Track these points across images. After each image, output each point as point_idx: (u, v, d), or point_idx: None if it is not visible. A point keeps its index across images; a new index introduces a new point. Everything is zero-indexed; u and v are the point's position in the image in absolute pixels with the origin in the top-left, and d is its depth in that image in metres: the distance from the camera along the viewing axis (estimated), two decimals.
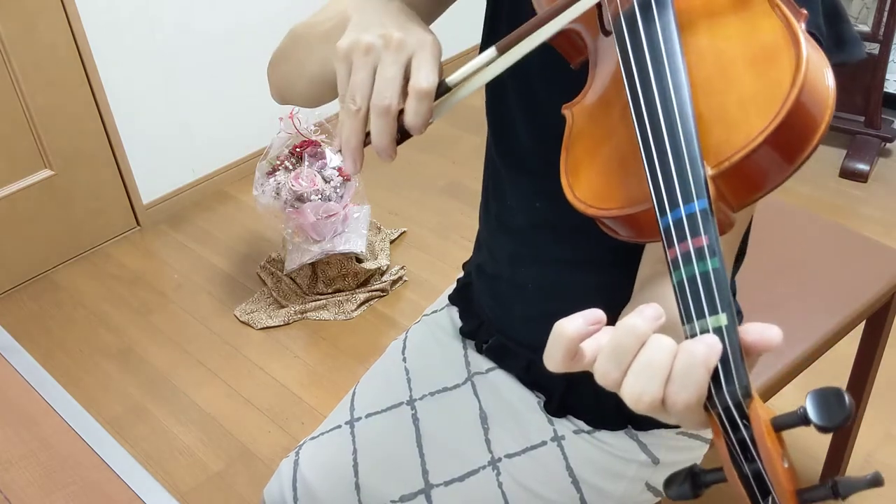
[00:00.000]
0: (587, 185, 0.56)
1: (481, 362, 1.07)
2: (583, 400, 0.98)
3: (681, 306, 0.47)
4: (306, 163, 2.18)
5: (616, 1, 0.58)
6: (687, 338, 0.47)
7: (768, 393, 1.24)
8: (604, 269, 0.90)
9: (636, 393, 0.46)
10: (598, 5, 0.61)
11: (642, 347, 0.47)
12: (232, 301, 2.34)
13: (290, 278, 2.33)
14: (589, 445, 0.97)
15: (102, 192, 2.54)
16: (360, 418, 1.06)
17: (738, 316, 0.82)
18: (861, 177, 2.58)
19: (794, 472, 0.44)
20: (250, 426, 1.97)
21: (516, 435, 1.00)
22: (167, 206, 2.69)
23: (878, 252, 1.44)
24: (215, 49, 2.62)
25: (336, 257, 2.24)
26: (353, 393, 1.11)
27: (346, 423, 1.06)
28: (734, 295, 1.04)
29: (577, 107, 0.61)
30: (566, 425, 0.99)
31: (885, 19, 2.44)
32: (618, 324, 0.48)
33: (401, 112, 0.62)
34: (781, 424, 0.44)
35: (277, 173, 2.19)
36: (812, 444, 1.74)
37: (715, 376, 0.45)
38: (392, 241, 2.48)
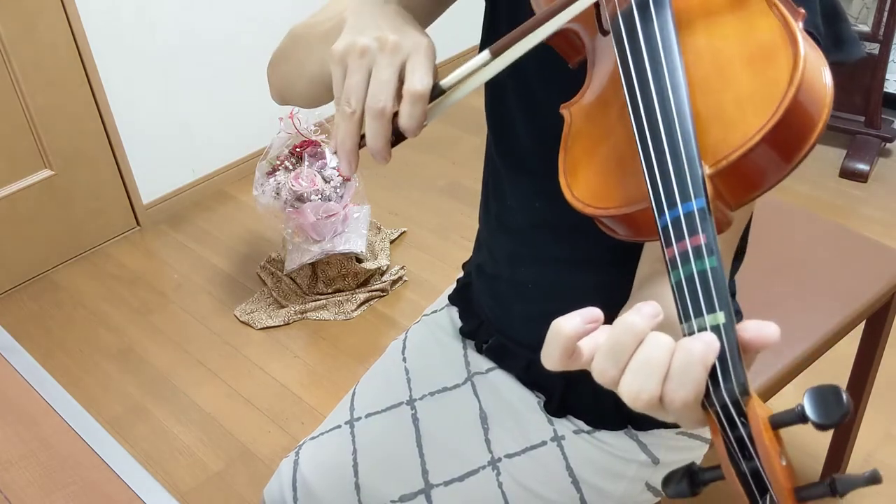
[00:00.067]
0: (585, 185, 0.56)
1: (481, 362, 1.07)
2: (582, 400, 0.98)
3: (679, 305, 0.47)
4: (306, 163, 2.18)
5: (614, 1, 0.58)
6: (685, 336, 0.47)
7: (768, 393, 1.24)
8: (603, 269, 0.90)
9: (634, 391, 0.47)
10: (596, 5, 0.61)
11: (640, 345, 0.47)
12: (232, 301, 2.34)
13: (290, 278, 2.33)
14: (589, 445, 0.97)
15: (102, 192, 2.54)
16: (359, 418, 1.06)
17: (737, 316, 0.82)
18: (861, 177, 2.58)
19: (792, 470, 0.44)
20: (250, 426, 1.97)
21: (516, 435, 1.00)
22: (167, 206, 2.69)
23: (878, 252, 1.44)
24: (215, 49, 2.62)
25: (336, 257, 2.24)
26: (353, 393, 1.11)
27: (346, 422, 1.06)
28: (734, 295, 1.04)
29: (575, 106, 0.61)
30: (566, 425, 0.99)
31: (885, 19, 2.44)
32: (616, 321, 0.48)
33: (395, 114, 0.63)
34: (779, 422, 0.44)
35: (277, 173, 2.19)
36: (812, 444, 1.74)
37: (713, 374, 0.45)
38: (392, 241, 2.48)
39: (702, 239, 0.47)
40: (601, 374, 0.48)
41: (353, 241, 2.24)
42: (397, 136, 0.63)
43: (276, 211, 2.19)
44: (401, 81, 0.63)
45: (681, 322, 0.47)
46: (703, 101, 0.51)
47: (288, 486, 1.05)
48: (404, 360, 1.11)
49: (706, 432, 1.01)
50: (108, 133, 2.49)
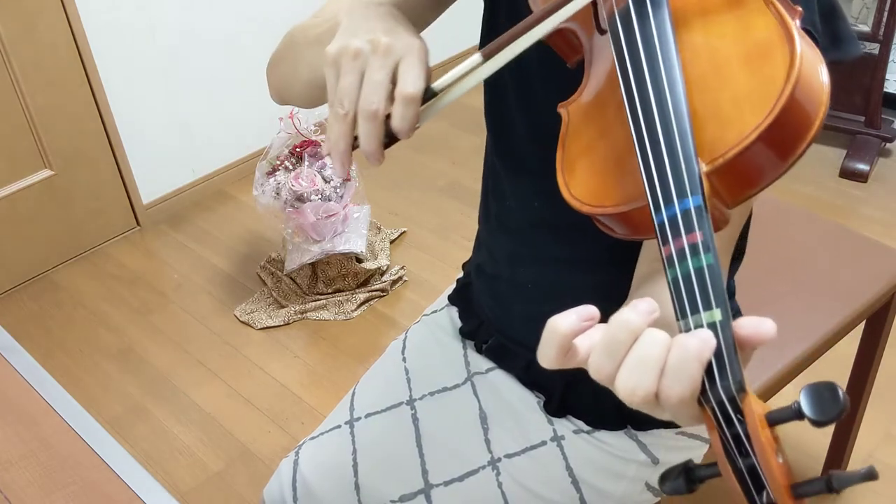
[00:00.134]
0: (583, 183, 0.56)
1: (481, 362, 1.07)
2: (582, 400, 0.98)
3: (675, 302, 0.47)
4: (306, 163, 2.18)
5: (611, 0, 0.58)
6: (681, 333, 0.47)
7: (768, 393, 1.24)
8: (603, 268, 0.90)
9: (630, 387, 0.47)
10: (594, 4, 0.61)
11: (636, 341, 0.47)
12: (232, 301, 2.34)
13: (290, 278, 2.33)
14: (588, 445, 0.97)
15: (102, 192, 2.54)
16: (359, 418, 1.06)
17: (736, 316, 0.82)
18: (861, 177, 2.58)
19: (789, 466, 0.44)
20: (250, 426, 1.97)
21: (516, 435, 1.00)
22: (167, 206, 2.69)
23: (878, 252, 1.44)
24: (215, 49, 2.62)
25: (336, 257, 2.24)
26: (353, 393, 1.11)
27: (346, 423, 1.06)
28: (733, 295, 1.04)
29: (572, 105, 0.62)
30: (566, 425, 0.99)
31: (885, 19, 2.44)
32: (611, 318, 0.48)
33: (388, 116, 0.63)
34: (776, 419, 0.44)
35: (277, 173, 2.19)
36: (812, 444, 1.74)
37: (709, 371, 0.45)
38: (392, 241, 2.48)
39: (698, 236, 0.47)
40: (597, 370, 0.48)
41: (353, 241, 2.24)
42: (390, 138, 0.64)
43: (276, 211, 2.19)
44: (394, 83, 0.63)
45: (677, 319, 0.47)
46: (699, 98, 0.51)
47: (288, 486, 1.05)
48: (404, 360, 1.11)
49: (706, 432, 1.01)
50: (108, 133, 2.49)
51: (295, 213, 2.15)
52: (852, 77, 2.56)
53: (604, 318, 0.50)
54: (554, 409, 0.99)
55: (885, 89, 2.58)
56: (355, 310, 2.26)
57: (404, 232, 2.53)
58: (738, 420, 0.44)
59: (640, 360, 0.46)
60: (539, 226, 0.95)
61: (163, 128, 2.60)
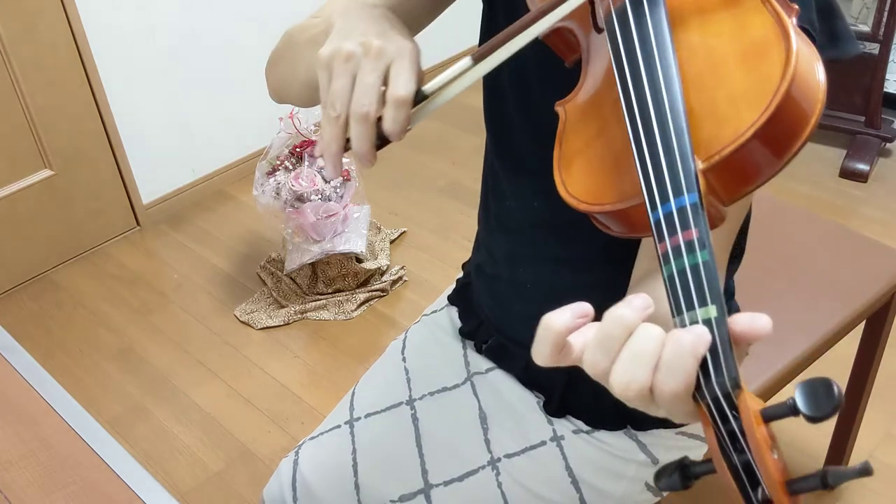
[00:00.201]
0: (580, 181, 0.56)
1: (481, 362, 1.07)
2: (582, 400, 0.98)
3: (671, 299, 0.47)
4: (306, 163, 2.18)
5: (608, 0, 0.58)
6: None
7: (768, 393, 1.24)
8: (602, 268, 0.90)
9: (624, 381, 0.47)
10: (591, 2, 0.61)
11: (630, 337, 0.47)
12: (232, 301, 2.34)
13: (290, 278, 2.33)
14: (588, 445, 0.97)
15: (102, 192, 2.54)
16: (359, 418, 1.06)
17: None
18: (861, 177, 2.58)
19: (784, 463, 0.44)
20: (250, 426, 1.97)
21: (516, 435, 1.00)
22: (167, 206, 2.69)
23: (878, 252, 1.44)
24: (215, 50, 2.62)
25: (336, 257, 2.24)
26: (353, 393, 1.11)
27: (346, 422, 1.06)
28: (732, 295, 1.04)
29: (570, 104, 0.62)
30: (565, 425, 0.99)
31: (885, 19, 2.44)
32: (606, 314, 0.48)
33: (380, 118, 0.63)
34: (771, 416, 0.44)
35: (277, 173, 2.19)
36: (812, 445, 1.74)
37: (704, 368, 0.45)
38: (392, 241, 2.48)
39: (694, 233, 0.47)
40: (592, 366, 0.48)
41: (353, 241, 2.24)
42: (382, 140, 0.64)
43: (276, 211, 2.19)
44: (385, 86, 0.64)
45: (673, 316, 0.47)
46: (696, 96, 0.52)
47: (287, 485, 1.05)
48: (404, 360, 1.11)
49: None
50: (108, 133, 2.49)
51: (295, 213, 2.15)
52: (852, 77, 2.56)
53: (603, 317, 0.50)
54: (553, 409, 0.99)
55: (885, 89, 2.59)
56: (355, 310, 2.26)
57: (404, 232, 2.53)
58: (734, 416, 0.44)
59: (635, 354, 0.46)
60: (539, 226, 0.95)
61: (163, 128, 2.60)
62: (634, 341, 0.47)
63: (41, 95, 2.31)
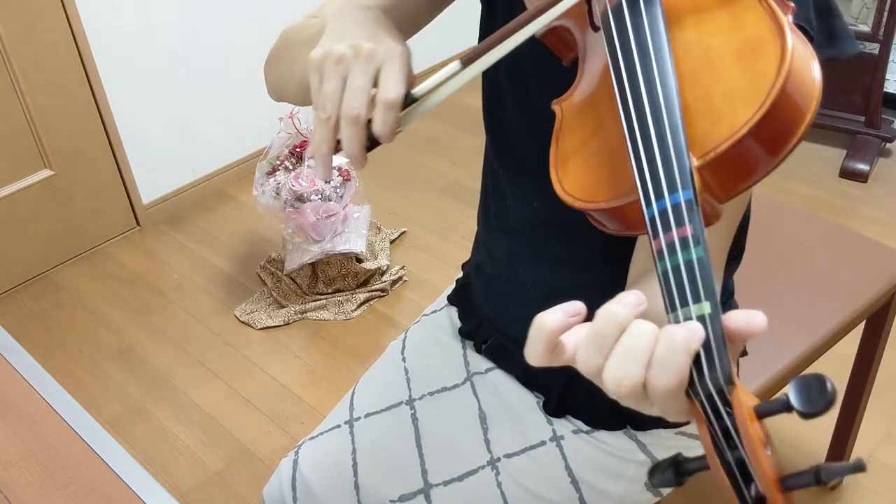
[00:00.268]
0: (575, 179, 0.56)
1: (480, 362, 1.07)
2: (581, 400, 0.98)
3: (665, 295, 0.47)
4: (306, 163, 2.18)
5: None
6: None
7: (768, 393, 1.24)
8: (602, 268, 0.90)
9: (618, 378, 0.47)
10: (588, 1, 0.62)
11: (623, 333, 0.47)
12: (232, 301, 2.34)
13: (290, 278, 2.33)
14: (588, 445, 0.97)
15: (102, 192, 2.54)
16: (359, 418, 1.06)
17: None
18: (861, 177, 2.58)
19: (778, 459, 0.44)
20: (250, 426, 1.97)
21: (515, 435, 1.00)
22: (167, 206, 2.69)
23: (878, 252, 1.44)
24: (215, 50, 2.62)
25: (336, 257, 2.25)
26: (353, 393, 1.11)
27: (346, 422, 1.07)
28: (732, 295, 1.04)
29: (566, 102, 0.62)
30: (565, 425, 0.99)
31: (885, 19, 2.44)
32: (598, 311, 0.48)
33: (370, 120, 0.64)
34: (764, 412, 0.44)
35: (277, 173, 2.19)
36: (812, 445, 1.74)
37: (698, 364, 0.45)
38: (392, 241, 2.48)
39: (688, 230, 0.47)
40: (585, 363, 0.48)
41: (353, 241, 2.24)
42: (372, 142, 0.65)
43: (276, 211, 2.19)
44: (376, 88, 0.64)
45: (667, 312, 0.47)
46: (692, 94, 0.52)
47: (287, 485, 1.05)
48: (404, 360, 1.11)
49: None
50: (108, 133, 2.49)
51: (295, 213, 2.15)
52: (852, 77, 2.56)
53: None
54: (553, 409, 0.99)
55: (885, 89, 2.59)
56: (355, 310, 2.26)
57: (404, 232, 2.53)
58: (727, 412, 0.44)
59: (628, 351, 0.46)
60: (538, 225, 0.95)
61: (163, 128, 2.60)
62: (627, 338, 0.47)
63: (41, 95, 2.31)
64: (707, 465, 0.46)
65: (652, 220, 0.49)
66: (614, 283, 0.77)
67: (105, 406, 2.04)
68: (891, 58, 2.53)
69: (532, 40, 0.63)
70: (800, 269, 1.42)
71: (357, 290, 2.30)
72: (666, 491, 1.03)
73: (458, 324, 1.12)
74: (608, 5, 0.57)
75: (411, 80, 0.66)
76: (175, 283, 2.43)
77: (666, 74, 0.52)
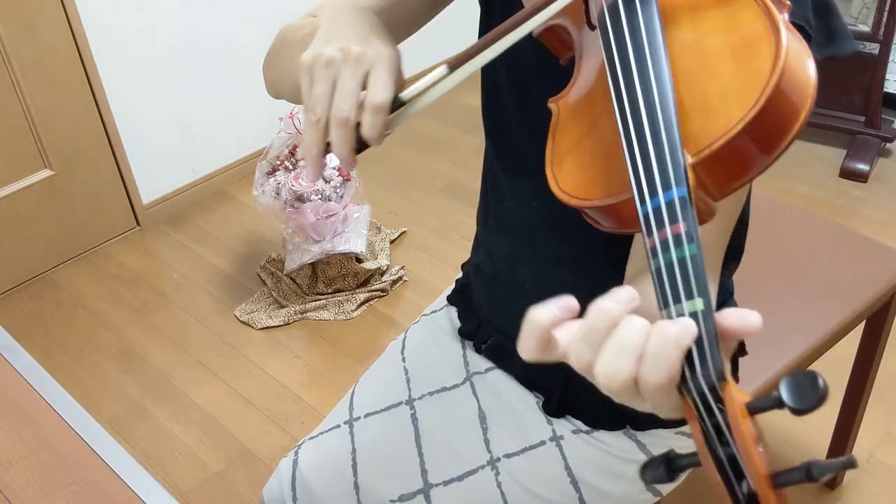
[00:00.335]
0: (570, 177, 0.57)
1: (480, 362, 1.07)
2: (581, 400, 0.98)
3: (658, 292, 0.47)
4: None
5: None
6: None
7: (767, 393, 1.24)
8: (601, 267, 0.90)
9: (609, 373, 0.47)
10: (585, 1, 0.62)
11: (615, 329, 0.47)
12: (232, 301, 2.34)
13: (290, 278, 2.33)
14: (588, 445, 0.97)
15: (102, 192, 2.54)
16: (358, 418, 1.06)
17: None
18: (861, 177, 2.58)
19: (770, 456, 0.44)
20: (250, 426, 1.97)
21: (515, 435, 1.00)
22: (167, 206, 2.69)
23: (878, 252, 1.44)
24: (215, 50, 2.62)
25: (336, 257, 2.25)
26: (352, 393, 1.11)
27: (345, 422, 1.07)
28: (731, 295, 1.04)
29: (562, 100, 0.62)
30: (565, 425, 0.99)
31: (885, 19, 2.44)
32: (590, 307, 0.48)
33: (360, 123, 0.65)
34: (756, 408, 0.44)
35: (277, 173, 2.19)
36: (812, 445, 1.74)
37: (690, 360, 0.45)
38: (392, 241, 2.49)
39: (682, 227, 0.47)
40: (577, 358, 0.48)
41: (353, 241, 2.24)
42: (361, 144, 0.66)
43: (276, 211, 2.19)
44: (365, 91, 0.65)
45: (660, 309, 0.47)
46: (687, 91, 0.52)
47: (287, 485, 1.05)
48: (403, 360, 1.11)
49: None
50: (108, 133, 2.49)
51: (295, 213, 2.15)
52: (852, 77, 2.56)
53: None
54: (553, 409, 0.99)
55: (885, 89, 2.59)
56: (355, 310, 2.26)
57: (404, 232, 2.53)
58: (719, 409, 0.44)
59: (620, 346, 0.46)
60: (537, 226, 0.95)
61: (163, 128, 2.60)
62: (619, 333, 0.47)
63: (41, 95, 2.31)
64: (699, 461, 0.46)
65: (646, 217, 0.49)
66: (614, 283, 0.77)
67: (105, 406, 2.04)
68: (891, 58, 2.53)
69: (531, 40, 0.63)
70: (800, 269, 1.42)
71: (357, 290, 2.30)
72: (666, 491, 1.03)
73: (458, 324, 1.12)
74: (604, 4, 0.57)
75: (400, 84, 0.67)
76: (175, 283, 2.43)
77: (661, 72, 0.52)
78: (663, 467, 0.47)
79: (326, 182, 2.17)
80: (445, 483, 0.98)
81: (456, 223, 2.55)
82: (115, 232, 2.62)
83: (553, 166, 0.58)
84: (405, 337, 1.16)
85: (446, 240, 2.50)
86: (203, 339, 2.22)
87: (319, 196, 2.15)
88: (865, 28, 2.48)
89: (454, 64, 0.64)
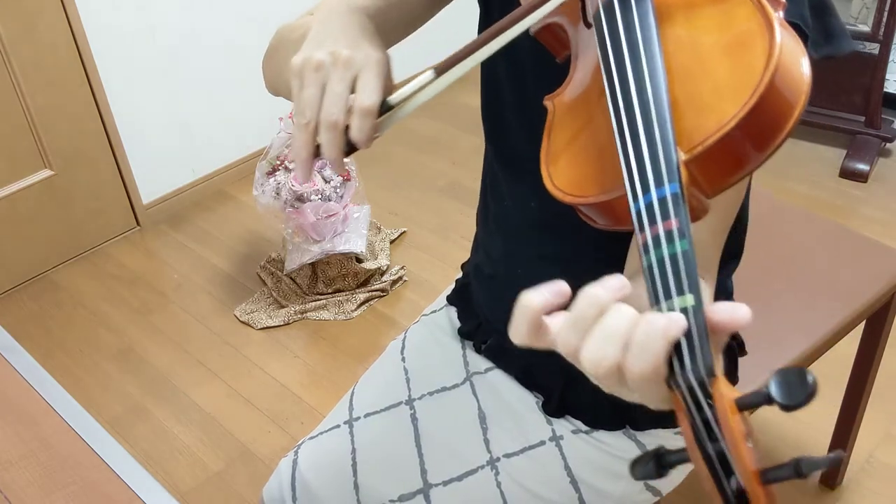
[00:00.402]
0: (565, 174, 0.57)
1: (480, 362, 1.07)
2: (581, 400, 0.98)
3: (649, 288, 0.47)
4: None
5: None
6: None
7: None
8: (600, 267, 0.90)
9: (595, 359, 0.47)
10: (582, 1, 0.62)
11: (603, 315, 0.47)
12: (232, 301, 2.34)
13: (290, 278, 2.34)
14: (587, 445, 0.97)
15: (102, 192, 2.54)
16: (358, 418, 1.06)
17: None
18: (861, 177, 2.58)
19: (759, 452, 0.44)
20: (250, 426, 1.97)
21: (515, 435, 1.00)
22: (167, 206, 2.69)
23: (878, 252, 1.44)
24: (215, 50, 2.62)
25: (336, 257, 2.25)
26: (352, 393, 1.11)
27: (345, 422, 1.07)
28: (731, 295, 1.04)
29: (558, 98, 0.63)
30: (564, 425, 0.99)
31: (885, 19, 2.44)
32: (579, 293, 0.48)
33: (349, 126, 0.66)
34: (745, 404, 0.44)
35: (277, 173, 2.19)
36: (812, 445, 1.74)
37: (679, 354, 0.45)
38: (392, 241, 2.49)
39: (674, 223, 0.47)
40: (565, 344, 0.49)
41: (353, 241, 2.24)
42: (350, 147, 0.67)
43: (276, 211, 2.19)
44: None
45: (651, 306, 0.47)
46: (681, 88, 0.52)
47: (287, 485, 1.05)
48: (403, 360, 1.11)
49: None
50: (108, 133, 2.49)
51: (295, 213, 2.15)
52: (852, 77, 2.56)
53: None
54: (553, 409, 0.99)
55: (885, 89, 2.59)
56: (355, 310, 2.26)
57: (404, 232, 2.53)
58: (708, 404, 0.44)
59: (606, 332, 0.47)
60: (537, 226, 0.95)
61: (163, 128, 2.60)
62: (606, 319, 0.47)
63: (41, 95, 2.31)
64: (688, 457, 0.46)
65: (638, 213, 0.49)
66: None
67: (105, 406, 2.04)
68: (891, 58, 2.53)
69: (529, 38, 0.63)
70: (800, 269, 1.42)
71: (357, 290, 2.30)
72: (665, 491, 1.03)
73: (458, 324, 1.12)
74: (600, 2, 0.58)
75: (389, 87, 0.67)
76: (175, 283, 2.43)
77: (655, 69, 0.52)
78: (653, 463, 0.47)
79: (326, 182, 2.17)
80: (445, 483, 0.98)
81: (456, 223, 2.55)
82: (115, 232, 2.62)
83: (548, 163, 0.58)
84: (405, 337, 1.16)
85: (446, 240, 2.50)
86: (203, 339, 2.22)
87: (319, 196, 2.15)
88: (865, 28, 2.48)
89: (441, 68, 0.64)
